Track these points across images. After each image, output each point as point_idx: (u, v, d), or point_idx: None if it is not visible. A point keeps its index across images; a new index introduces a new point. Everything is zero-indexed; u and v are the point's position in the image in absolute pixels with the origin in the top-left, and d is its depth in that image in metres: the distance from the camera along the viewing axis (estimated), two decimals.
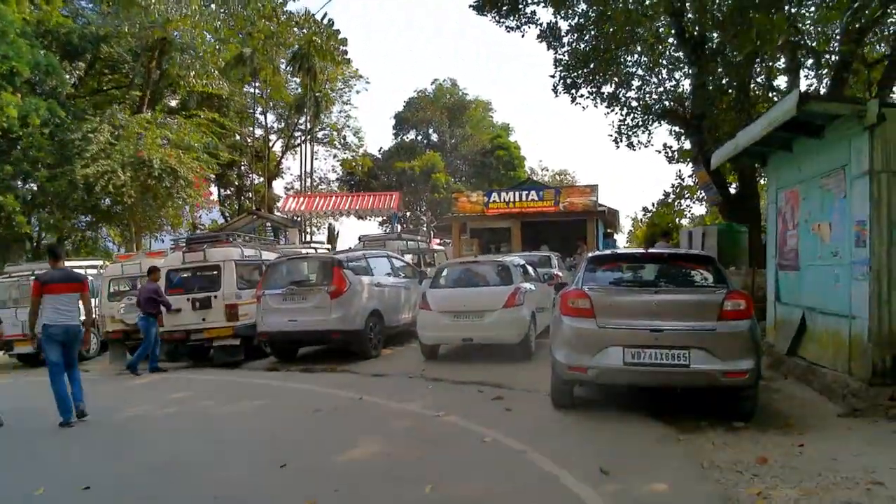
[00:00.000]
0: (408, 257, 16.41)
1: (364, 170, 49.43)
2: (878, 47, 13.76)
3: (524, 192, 24.26)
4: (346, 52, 37.96)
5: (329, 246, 21.49)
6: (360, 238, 18.05)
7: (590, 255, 6.82)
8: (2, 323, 11.63)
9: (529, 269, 11.47)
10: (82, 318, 7.27)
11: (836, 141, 6.57)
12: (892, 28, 12.76)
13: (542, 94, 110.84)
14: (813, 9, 12.86)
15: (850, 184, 6.24)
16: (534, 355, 9.66)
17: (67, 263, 10.75)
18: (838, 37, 12.84)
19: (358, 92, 69.62)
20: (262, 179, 40.96)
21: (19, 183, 19.34)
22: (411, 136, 60.48)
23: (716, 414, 5.87)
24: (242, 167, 40.02)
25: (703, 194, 17.78)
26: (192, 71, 23.09)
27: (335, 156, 48.22)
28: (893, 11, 12.20)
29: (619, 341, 5.67)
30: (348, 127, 46.62)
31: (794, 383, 7.32)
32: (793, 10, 12.20)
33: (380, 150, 58.51)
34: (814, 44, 13.46)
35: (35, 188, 19.54)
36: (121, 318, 12.70)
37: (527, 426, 5.97)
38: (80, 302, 7.26)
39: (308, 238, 37.90)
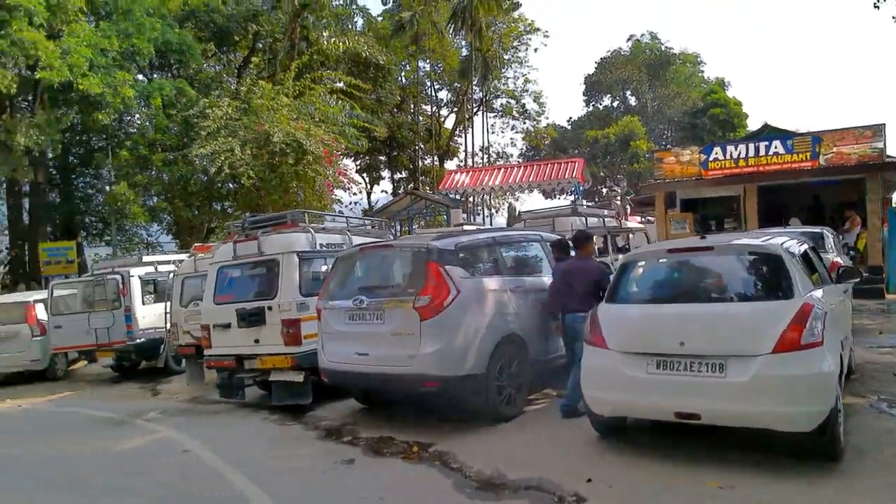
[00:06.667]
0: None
1: (548, 142, 44.03)
2: None
3: (762, 144, 16.89)
4: None
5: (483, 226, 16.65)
6: (518, 215, 13.01)
7: None
8: None
9: (814, 257, 5.72)
10: None
11: None
12: None
13: (769, 36, 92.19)
14: None
15: None
16: (844, 455, 4.13)
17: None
18: None
19: (536, 49, 63.67)
20: (434, 160, 37.58)
21: (137, 170, 17.44)
22: (606, 102, 53.76)
23: None
24: (417, 149, 36.93)
25: None
26: (326, 31, 19.83)
27: (513, 128, 43.18)
28: None
29: None
30: (527, 93, 41.18)
31: None
32: None
33: (569, 121, 52.86)
34: None
35: (153, 174, 17.47)
36: (188, 329, 9.57)
37: None
38: None
39: (482, 220, 33.68)
